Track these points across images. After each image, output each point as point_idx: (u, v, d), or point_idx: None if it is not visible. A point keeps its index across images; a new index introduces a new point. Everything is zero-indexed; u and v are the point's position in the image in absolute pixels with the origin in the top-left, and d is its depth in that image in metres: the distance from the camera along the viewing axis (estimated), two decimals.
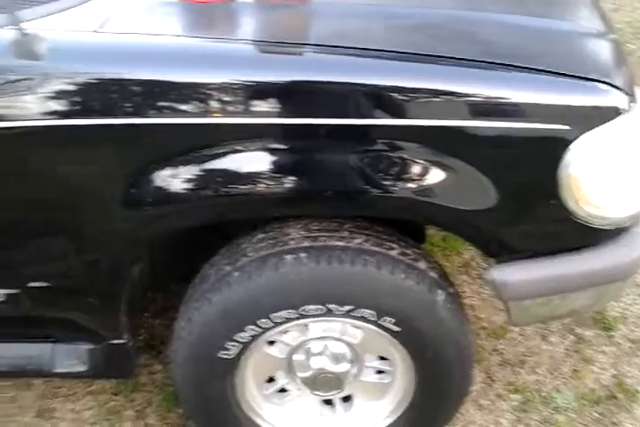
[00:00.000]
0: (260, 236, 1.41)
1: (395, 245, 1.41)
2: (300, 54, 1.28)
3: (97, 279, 1.38)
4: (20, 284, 1.37)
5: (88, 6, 1.26)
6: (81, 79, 1.18)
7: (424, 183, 1.28)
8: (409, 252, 1.42)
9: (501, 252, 1.40)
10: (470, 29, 1.35)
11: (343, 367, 1.49)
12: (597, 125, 1.22)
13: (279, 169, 1.27)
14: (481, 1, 1.51)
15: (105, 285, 1.40)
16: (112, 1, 1.30)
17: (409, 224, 1.53)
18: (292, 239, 1.38)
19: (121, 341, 1.49)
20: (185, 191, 1.27)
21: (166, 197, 1.28)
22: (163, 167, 1.25)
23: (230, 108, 1.21)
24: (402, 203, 1.31)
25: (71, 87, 1.18)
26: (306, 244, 1.36)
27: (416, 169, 1.28)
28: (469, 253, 2.34)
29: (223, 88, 1.20)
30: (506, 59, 1.27)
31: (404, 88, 1.21)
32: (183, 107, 1.20)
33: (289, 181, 1.28)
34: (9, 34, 1.14)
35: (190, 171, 1.25)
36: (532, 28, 1.39)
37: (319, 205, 1.37)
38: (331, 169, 1.29)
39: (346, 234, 1.39)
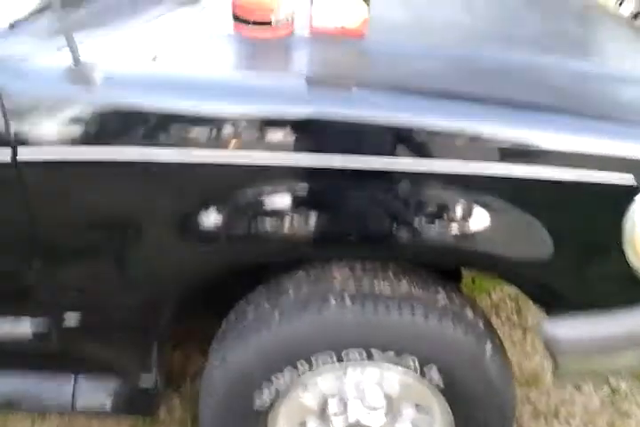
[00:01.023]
0: (302, 275, 1.36)
1: (441, 290, 1.36)
2: (346, 92, 1.24)
3: (135, 315, 1.33)
4: (55, 317, 1.31)
5: (144, 33, 1.22)
6: (125, 111, 1.14)
7: (473, 231, 1.23)
8: (455, 299, 1.36)
9: (554, 304, 1.34)
10: (534, 74, 1.31)
11: (379, 417, 1.42)
12: None
13: (309, 212, 1.22)
14: (543, 43, 1.47)
15: (141, 320, 1.34)
16: (169, 30, 1.26)
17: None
18: (336, 281, 1.32)
19: (149, 376, 1.42)
20: (220, 233, 1.23)
21: (203, 237, 1.24)
22: (200, 208, 1.20)
23: (265, 147, 1.15)
24: (440, 249, 1.26)
25: (115, 118, 1.14)
26: (350, 287, 1.31)
27: (463, 215, 1.22)
28: (499, 294, 2.28)
29: (265, 125, 1.14)
30: (568, 105, 1.23)
31: (454, 131, 1.17)
32: (209, 142, 1.14)
33: (320, 224, 1.23)
34: (64, 58, 1.10)
35: (223, 213, 1.21)
36: (596, 74, 1.36)
37: (354, 248, 1.31)
38: (366, 213, 1.24)
39: (391, 276, 1.34)
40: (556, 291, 1.32)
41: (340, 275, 1.33)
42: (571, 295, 1.32)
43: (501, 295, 2.27)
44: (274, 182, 1.19)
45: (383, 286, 1.31)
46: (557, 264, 1.26)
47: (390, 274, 1.34)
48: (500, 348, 1.39)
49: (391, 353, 1.30)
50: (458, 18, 1.56)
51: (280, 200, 1.20)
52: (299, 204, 1.21)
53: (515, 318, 2.21)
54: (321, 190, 1.21)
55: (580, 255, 1.28)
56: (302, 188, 1.20)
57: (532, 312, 2.18)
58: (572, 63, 1.39)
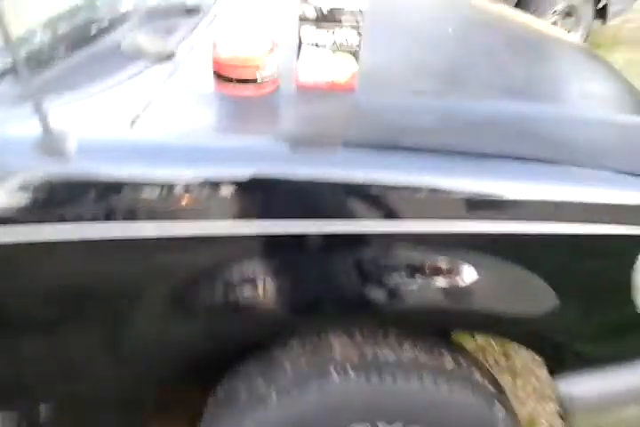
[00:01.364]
0: (297, 345, 1.25)
1: (445, 352, 1.28)
2: (329, 151, 1.16)
3: (117, 395, 1.22)
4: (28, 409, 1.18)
5: (119, 96, 1.12)
6: (102, 183, 1.03)
7: (470, 292, 1.17)
8: (461, 360, 1.28)
9: (562, 360, 1.29)
10: (529, 125, 1.26)
11: None
12: None
13: (287, 283, 1.15)
14: (527, 89, 1.44)
15: (132, 399, 1.24)
16: (145, 91, 1.15)
17: None
18: (336, 352, 1.22)
19: None
20: (202, 308, 1.15)
21: (186, 313, 1.15)
22: (184, 283, 1.11)
23: (238, 216, 1.07)
24: (433, 313, 1.21)
25: (91, 191, 1.03)
26: (353, 358, 1.21)
27: (457, 276, 1.16)
28: (484, 337, 2.21)
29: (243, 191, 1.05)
30: (567, 156, 1.19)
31: (445, 189, 1.11)
32: (189, 214, 1.05)
33: (304, 295, 1.17)
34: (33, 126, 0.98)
35: (205, 287, 1.12)
36: (590, 121, 1.32)
37: (339, 318, 1.24)
38: (347, 280, 1.16)
39: (393, 342, 1.25)
40: (563, 347, 1.27)
41: (338, 344, 1.24)
42: (581, 351, 1.27)
43: (487, 339, 2.21)
44: (243, 253, 1.10)
45: (387, 353, 1.22)
46: (563, 319, 1.21)
47: (392, 339, 1.25)
48: (509, 407, 1.31)
49: (399, 425, 1.21)
50: (433, 61, 1.51)
51: (254, 271, 1.12)
52: (275, 275, 1.13)
53: (503, 361, 2.15)
54: (298, 259, 1.14)
55: (586, 309, 1.23)
56: (276, 257, 1.12)
57: (520, 355, 2.12)
58: (556, 109, 1.36)
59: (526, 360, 2.10)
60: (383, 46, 1.44)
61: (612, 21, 5.00)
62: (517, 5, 4.17)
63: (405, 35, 1.58)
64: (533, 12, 3.99)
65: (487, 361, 2.14)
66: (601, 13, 4.84)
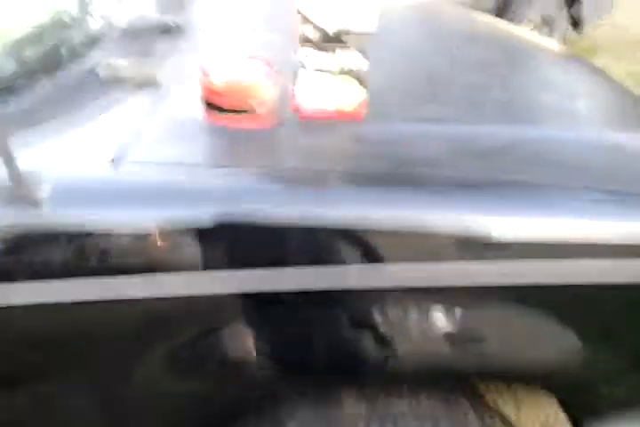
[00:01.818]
0: (303, 401, 1.13)
1: (464, 401, 1.18)
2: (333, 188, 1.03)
3: None
4: None
5: (98, 130, 0.99)
6: (80, 233, 0.90)
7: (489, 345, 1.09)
8: (481, 409, 1.19)
9: (593, 406, 1.20)
10: (540, 150, 1.16)
11: None
12: None
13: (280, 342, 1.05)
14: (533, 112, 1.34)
15: None
16: (128, 123, 1.02)
17: None
18: (345, 403, 1.11)
19: None
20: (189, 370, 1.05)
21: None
22: (170, 343, 1.00)
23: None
24: (449, 368, 1.11)
25: (67, 245, 0.90)
26: (362, 409, 1.10)
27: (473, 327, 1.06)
28: None
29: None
30: (589, 183, 1.09)
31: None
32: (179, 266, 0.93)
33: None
34: None
35: (191, 348, 1.02)
36: (610, 146, 1.23)
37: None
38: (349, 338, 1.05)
39: (407, 394, 1.14)
40: (593, 392, 1.18)
41: (348, 399, 1.12)
42: (610, 398, 1.19)
43: None
44: (233, 312, 0.99)
45: (401, 407, 1.11)
46: (594, 365, 1.13)
47: (406, 391, 1.14)
48: None
49: None
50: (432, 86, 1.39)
51: (245, 330, 1.01)
52: (267, 334, 1.02)
53: (505, 391, 2.05)
54: (292, 317, 1.03)
55: (616, 353, 1.14)
56: (269, 316, 1.01)
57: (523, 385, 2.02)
58: (575, 133, 1.26)
59: (530, 389, 2.00)
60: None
61: (586, 30, 5.00)
62: (496, 15, 4.14)
63: (403, 54, 1.47)
64: (510, 22, 3.96)
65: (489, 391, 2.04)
66: (574, 22, 4.84)
